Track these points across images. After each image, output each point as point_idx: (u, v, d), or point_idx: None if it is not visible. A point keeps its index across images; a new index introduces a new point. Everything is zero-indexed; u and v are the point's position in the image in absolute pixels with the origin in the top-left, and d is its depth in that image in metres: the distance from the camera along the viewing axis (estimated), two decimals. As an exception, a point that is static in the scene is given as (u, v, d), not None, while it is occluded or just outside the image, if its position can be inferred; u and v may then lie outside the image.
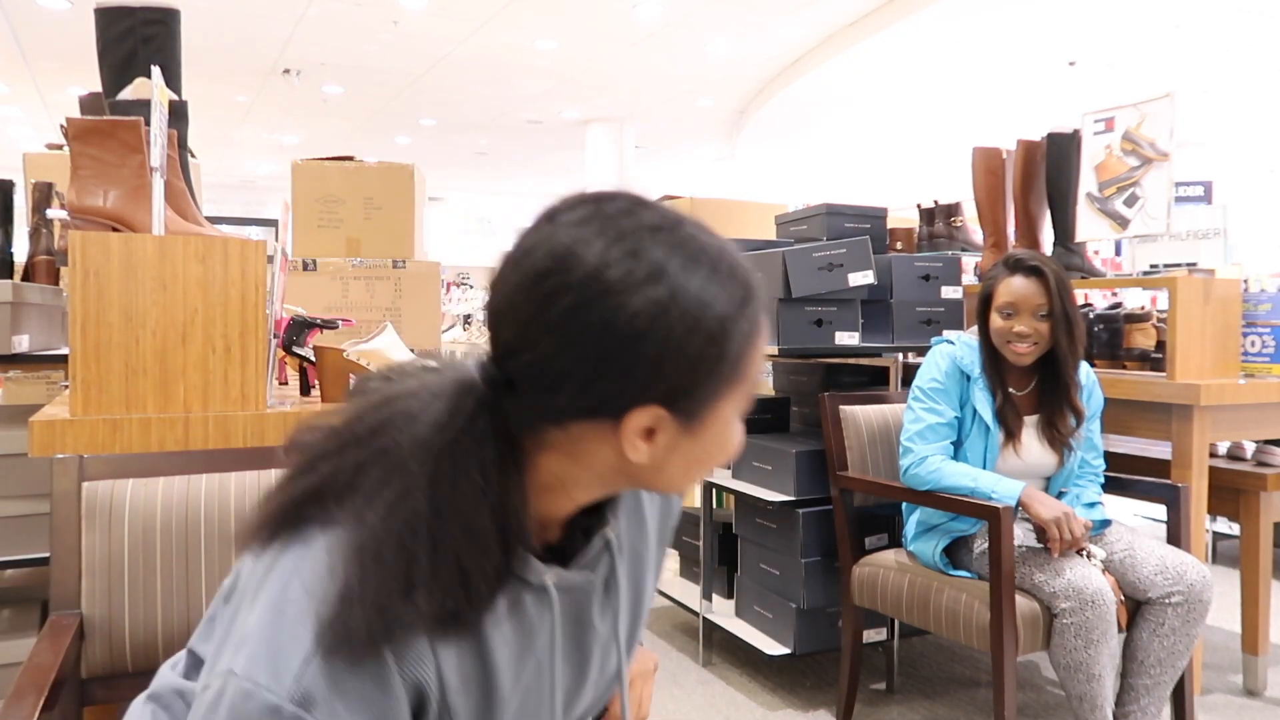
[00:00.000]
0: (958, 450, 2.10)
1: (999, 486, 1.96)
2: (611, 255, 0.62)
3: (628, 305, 0.61)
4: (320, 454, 0.69)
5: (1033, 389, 2.13)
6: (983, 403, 2.07)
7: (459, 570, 0.64)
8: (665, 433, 0.66)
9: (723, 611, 2.78)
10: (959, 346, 2.15)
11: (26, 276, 2.58)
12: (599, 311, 0.61)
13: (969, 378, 2.10)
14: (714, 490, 2.86)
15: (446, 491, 0.64)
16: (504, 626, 0.71)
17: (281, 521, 0.68)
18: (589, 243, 0.63)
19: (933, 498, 2.06)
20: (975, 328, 2.17)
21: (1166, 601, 1.93)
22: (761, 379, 3.55)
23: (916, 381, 2.16)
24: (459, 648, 0.68)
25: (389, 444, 0.66)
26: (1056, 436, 2.08)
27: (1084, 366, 2.14)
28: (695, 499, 3.65)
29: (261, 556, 0.68)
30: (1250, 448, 2.67)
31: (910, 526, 2.22)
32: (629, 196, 0.67)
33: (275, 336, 1.70)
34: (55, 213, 2.23)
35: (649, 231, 0.64)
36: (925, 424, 2.09)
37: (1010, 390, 2.11)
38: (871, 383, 2.93)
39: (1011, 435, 2.08)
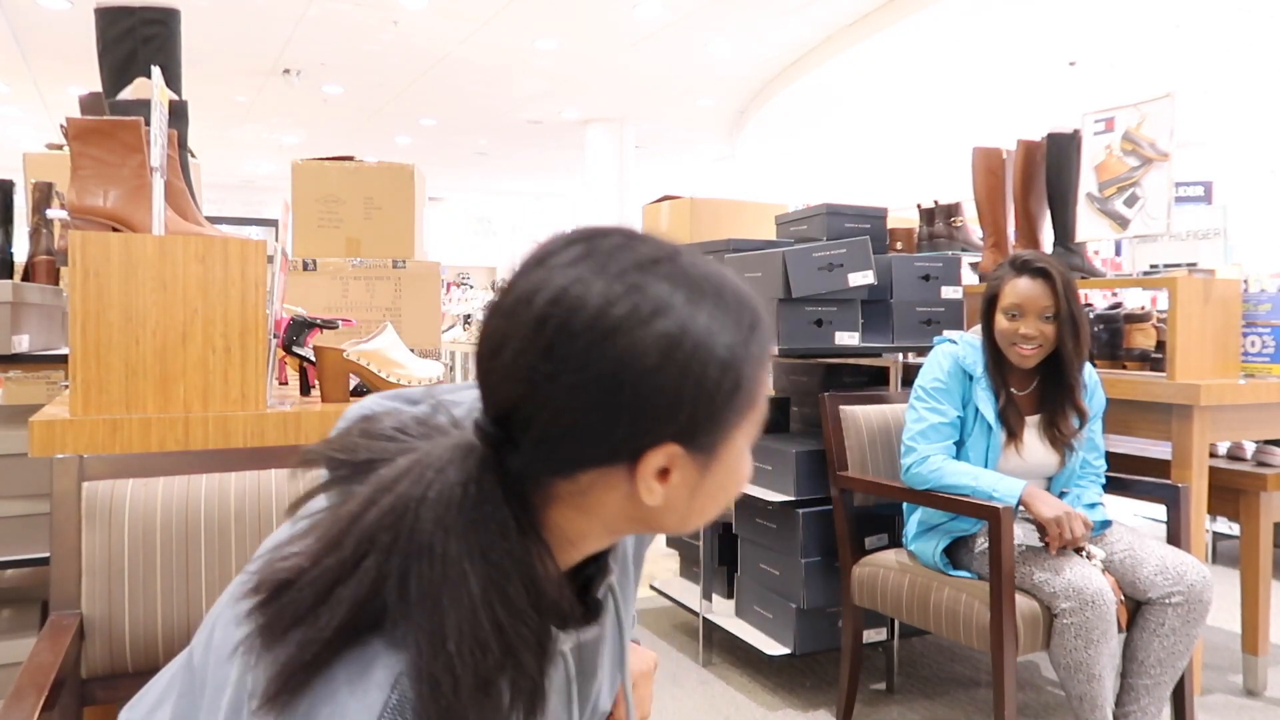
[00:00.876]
0: (960, 450, 2.10)
1: (1000, 485, 1.96)
2: (614, 292, 0.59)
3: (637, 343, 0.58)
4: (328, 580, 0.59)
5: (1034, 389, 2.14)
6: (985, 402, 2.07)
7: (513, 649, 0.60)
8: (680, 470, 0.63)
9: (723, 611, 2.78)
10: (961, 346, 2.14)
11: (26, 276, 2.58)
12: (608, 353, 0.58)
13: (971, 377, 2.10)
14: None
15: (483, 569, 0.59)
16: None
17: (307, 670, 0.58)
18: (588, 283, 0.59)
19: (933, 498, 2.06)
20: (978, 327, 2.17)
21: (1167, 602, 1.93)
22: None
23: (919, 381, 2.16)
24: None
25: (407, 537, 0.59)
26: (1058, 436, 2.08)
27: (1086, 367, 2.15)
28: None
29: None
30: (1250, 448, 2.67)
31: (910, 526, 2.22)
32: (621, 231, 0.64)
33: (275, 336, 1.70)
34: (55, 213, 2.23)
35: (649, 265, 0.61)
36: (928, 423, 2.09)
37: (1012, 390, 2.11)
38: (871, 383, 2.92)
39: (1013, 435, 2.08)
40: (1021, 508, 1.95)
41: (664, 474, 0.63)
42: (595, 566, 0.75)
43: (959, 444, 2.10)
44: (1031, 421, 2.11)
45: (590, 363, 0.58)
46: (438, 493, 0.61)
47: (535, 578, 0.62)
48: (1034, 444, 2.10)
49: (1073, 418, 2.08)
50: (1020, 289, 2.04)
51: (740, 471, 0.68)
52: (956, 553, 2.12)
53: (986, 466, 2.07)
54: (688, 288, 0.61)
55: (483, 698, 0.58)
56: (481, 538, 0.60)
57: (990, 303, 2.10)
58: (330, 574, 0.59)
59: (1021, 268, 2.06)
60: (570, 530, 0.66)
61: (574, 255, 0.61)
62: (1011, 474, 2.05)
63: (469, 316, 7.62)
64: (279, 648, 0.58)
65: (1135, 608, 1.99)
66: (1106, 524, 2.09)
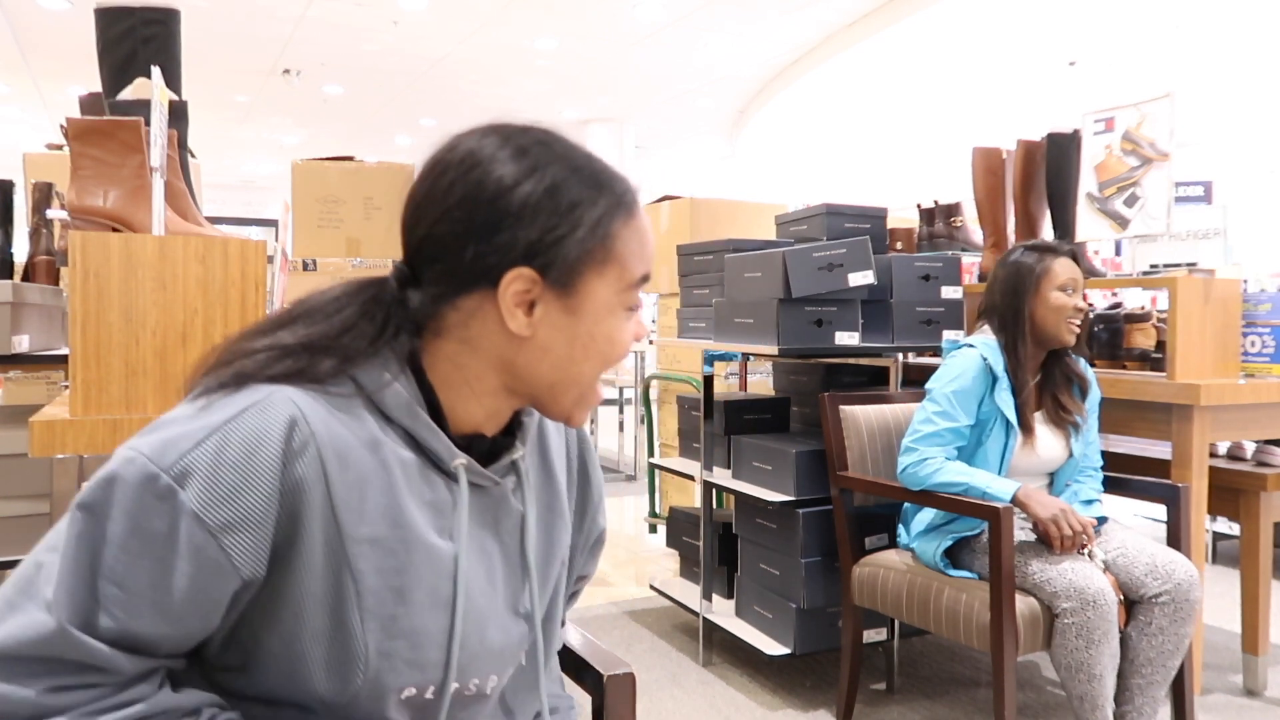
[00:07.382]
0: (976, 451, 2.10)
1: (994, 485, 1.96)
2: (488, 141, 0.73)
3: (493, 172, 0.72)
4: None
5: (1037, 381, 2.17)
6: (1006, 403, 2.08)
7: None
8: (544, 306, 0.73)
9: (723, 611, 2.78)
10: (982, 348, 2.13)
11: (26, 276, 2.58)
12: (472, 177, 0.72)
13: (995, 379, 2.10)
14: (714, 490, 2.86)
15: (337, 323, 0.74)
16: (415, 482, 0.74)
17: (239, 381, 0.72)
18: (476, 137, 0.74)
19: (934, 498, 2.06)
20: (986, 330, 2.17)
21: (1155, 601, 1.93)
22: (761, 379, 3.55)
23: (934, 384, 2.14)
24: (356, 473, 0.70)
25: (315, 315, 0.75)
26: (1064, 415, 2.12)
27: (1080, 361, 2.18)
28: (695, 499, 3.65)
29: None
30: (1250, 448, 2.67)
31: (914, 525, 2.22)
32: (527, 123, 0.76)
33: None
34: (55, 213, 2.23)
35: (524, 131, 0.75)
36: (936, 427, 2.08)
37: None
38: (871, 383, 2.92)
39: (1029, 431, 2.10)
40: (1018, 509, 1.95)
41: (530, 307, 0.73)
42: (507, 445, 0.82)
43: (975, 446, 2.10)
44: (1039, 417, 2.15)
45: (456, 186, 0.72)
46: (332, 299, 0.76)
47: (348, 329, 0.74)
48: (1044, 436, 2.13)
49: (1073, 390, 2.14)
50: (1071, 267, 2.12)
51: (613, 330, 0.75)
52: (957, 553, 2.12)
53: (1002, 466, 2.08)
54: (549, 148, 0.74)
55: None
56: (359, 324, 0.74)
57: (1036, 285, 2.11)
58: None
59: (1063, 250, 2.15)
60: (460, 363, 0.75)
61: (482, 129, 0.76)
62: (1025, 470, 2.07)
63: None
64: (220, 371, 0.72)
65: (1129, 606, 1.99)
66: (1103, 520, 2.10)
